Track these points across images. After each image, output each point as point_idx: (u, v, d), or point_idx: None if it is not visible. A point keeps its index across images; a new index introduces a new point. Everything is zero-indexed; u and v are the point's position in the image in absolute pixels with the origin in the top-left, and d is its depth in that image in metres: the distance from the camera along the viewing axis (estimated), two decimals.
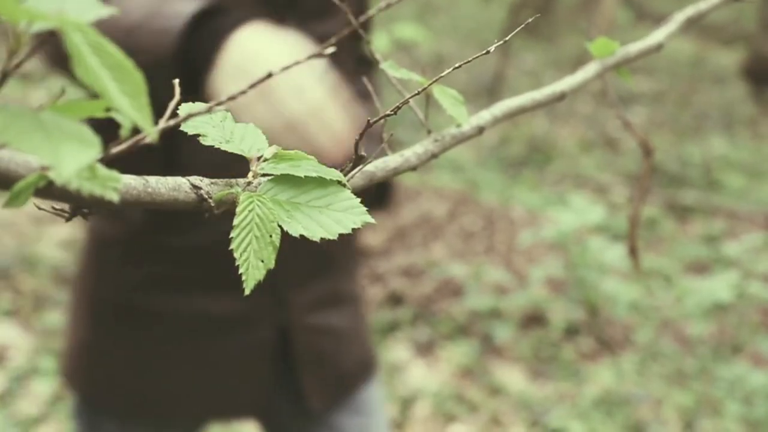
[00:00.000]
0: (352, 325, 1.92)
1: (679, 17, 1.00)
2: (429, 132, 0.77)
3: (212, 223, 1.36)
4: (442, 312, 4.45)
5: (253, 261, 0.59)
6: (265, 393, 1.83)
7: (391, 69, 0.77)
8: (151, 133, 0.49)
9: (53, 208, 0.56)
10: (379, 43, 6.90)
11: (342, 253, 1.91)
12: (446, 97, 0.80)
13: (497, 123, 0.82)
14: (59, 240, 4.67)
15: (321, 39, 1.62)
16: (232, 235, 0.58)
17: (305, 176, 0.61)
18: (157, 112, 0.54)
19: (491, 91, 8.26)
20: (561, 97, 0.86)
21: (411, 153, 0.74)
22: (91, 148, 0.47)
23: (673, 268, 5.07)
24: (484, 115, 0.81)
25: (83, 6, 0.54)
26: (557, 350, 4.22)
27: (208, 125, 0.64)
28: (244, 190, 0.60)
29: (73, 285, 1.88)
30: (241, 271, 0.58)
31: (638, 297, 4.59)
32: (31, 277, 4.26)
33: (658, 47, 0.97)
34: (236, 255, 0.59)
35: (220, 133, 0.65)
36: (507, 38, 0.66)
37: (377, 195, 1.98)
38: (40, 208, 0.57)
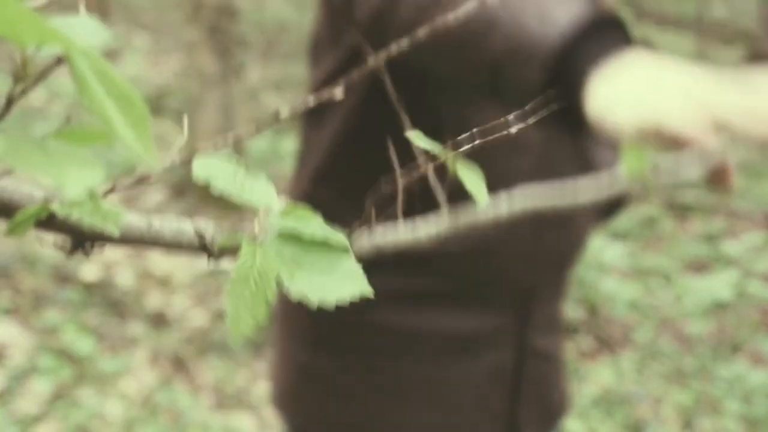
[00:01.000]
0: (561, 351, 1.76)
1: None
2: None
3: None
4: None
5: (244, 315, 0.58)
6: (498, 424, 1.65)
7: (417, 139, 0.75)
8: (152, 165, 0.50)
9: (54, 244, 0.56)
10: None
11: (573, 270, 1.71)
12: (469, 176, 0.78)
13: (512, 219, 0.79)
14: (58, 238, 4.66)
15: None
16: (227, 284, 0.57)
17: (310, 237, 0.61)
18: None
19: None
20: (581, 206, 0.84)
21: (423, 233, 0.73)
22: (95, 172, 0.47)
23: (673, 267, 5.06)
24: (501, 207, 0.79)
25: (89, 31, 0.53)
26: None
27: (221, 171, 0.64)
28: (249, 239, 0.60)
29: (282, 301, 1.66)
30: (228, 321, 0.58)
31: (638, 296, 4.59)
32: (31, 276, 4.26)
33: None
34: (228, 303, 0.58)
35: (231, 182, 0.65)
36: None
37: (610, 204, 1.78)
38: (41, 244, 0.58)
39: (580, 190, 0.87)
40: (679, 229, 5.76)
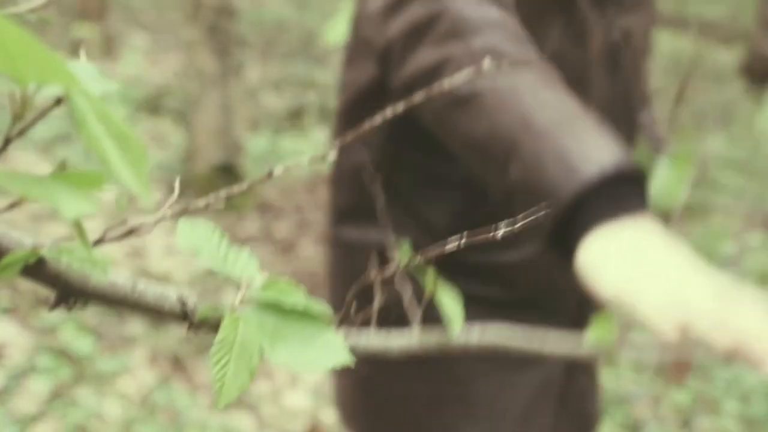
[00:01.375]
0: (597, 363, 1.78)
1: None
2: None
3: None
4: None
5: (228, 382, 0.59)
6: None
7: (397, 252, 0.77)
8: (148, 203, 0.50)
9: (37, 298, 0.57)
10: None
11: None
12: (447, 299, 0.79)
13: (480, 350, 0.80)
14: (57, 238, 4.66)
15: (623, 33, 1.51)
16: (212, 351, 0.58)
17: (291, 308, 0.62)
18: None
19: None
20: (535, 359, 0.86)
21: (397, 343, 0.74)
22: (91, 204, 0.48)
23: None
24: (472, 336, 0.81)
25: (89, 75, 0.54)
26: None
27: (205, 241, 0.65)
28: (231, 310, 0.61)
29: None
30: (214, 387, 0.59)
31: None
32: None
33: None
34: (213, 371, 0.59)
35: (215, 253, 0.65)
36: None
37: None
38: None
39: (547, 342, 0.89)
40: (676, 229, 5.76)
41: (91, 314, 3.99)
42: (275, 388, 3.71)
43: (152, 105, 6.79)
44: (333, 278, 1.67)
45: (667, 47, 11.06)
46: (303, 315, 0.62)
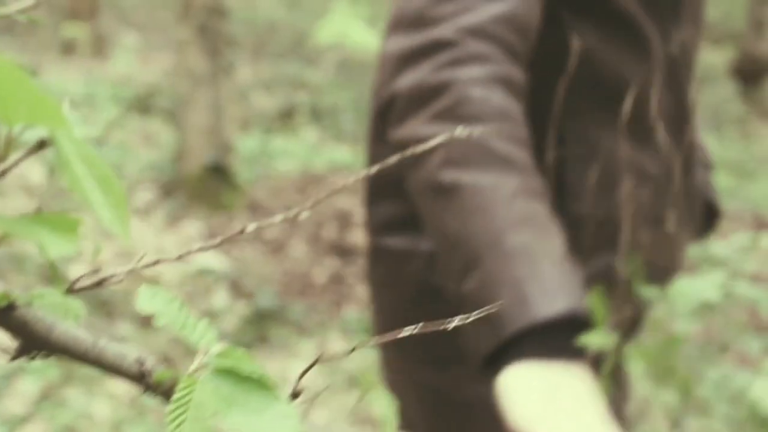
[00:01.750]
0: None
1: None
2: None
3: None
4: None
5: None
6: None
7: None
8: (127, 243, 0.52)
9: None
10: (368, 41, 6.90)
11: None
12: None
13: None
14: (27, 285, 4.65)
15: (680, 47, 1.53)
16: (168, 409, 0.59)
17: (247, 377, 0.64)
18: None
19: None
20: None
21: None
22: (73, 244, 0.50)
23: None
24: None
25: (74, 119, 0.56)
26: None
27: (167, 306, 0.67)
28: (187, 375, 0.62)
29: (389, 327, 1.55)
30: None
31: None
32: (19, 275, 4.25)
33: None
34: (169, 429, 0.61)
35: (176, 317, 0.67)
36: None
37: (705, 221, 1.84)
38: None
39: None
40: None
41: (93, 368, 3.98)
42: None
43: (143, 104, 6.78)
44: (381, 288, 1.65)
45: None
46: (258, 384, 0.64)
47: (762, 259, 5.15)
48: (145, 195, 5.25)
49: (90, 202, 0.50)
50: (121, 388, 3.58)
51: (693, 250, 5.49)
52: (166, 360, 3.80)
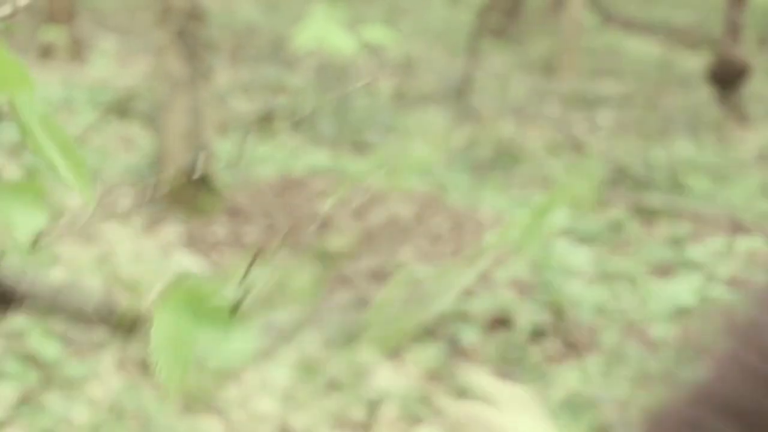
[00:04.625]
0: None
1: None
2: None
3: None
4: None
5: (172, 371, 0.62)
6: None
7: None
8: (90, 203, 0.53)
9: None
10: (347, 45, 6.89)
11: None
12: None
13: None
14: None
15: None
16: (150, 353, 0.60)
17: (206, 304, 0.65)
18: None
19: (460, 93, 8.28)
20: None
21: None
22: (40, 214, 0.53)
23: (638, 270, 5.10)
24: None
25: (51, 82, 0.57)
26: (523, 352, 4.24)
27: None
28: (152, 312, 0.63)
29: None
30: (160, 380, 0.61)
31: (604, 300, 4.62)
32: None
33: None
34: (156, 366, 0.61)
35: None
36: None
37: None
38: None
39: None
40: (644, 232, 5.81)
41: (58, 319, 3.97)
42: (244, 393, 3.70)
43: (121, 108, 6.77)
44: None
45: (634, 53, 11.14)
46: (217, 310, 0.66)
47: (738, 263, 5.18)
48: (123, 200, 5.24)
49: (53, 164, 0.52)
50: (101, 392, 3.57)
51: (670, 254, 5.49)
52: (145, 364, 3.80)
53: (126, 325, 0.61)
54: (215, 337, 0.65)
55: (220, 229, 5.07)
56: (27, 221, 0.50)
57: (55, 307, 0.59)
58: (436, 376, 4.00)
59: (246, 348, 0.65)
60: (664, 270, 5.17)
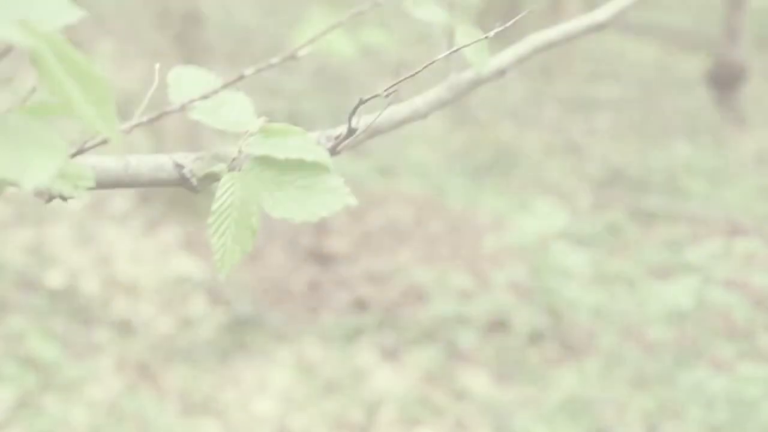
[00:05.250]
0: None
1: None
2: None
3: None
4: (408, 317, 4.46)
5: (230, 245, 0.58)
6: None
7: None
8: (115, 140, 0.49)
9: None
10: (345, 48, 6.91)
11: None
12: (469, 39, 0.75)
13: (521, 62, 0.77)
14: (23, 244, 4.64)
15: None
16: (210, 219, 0.57)
17: (290, 158, 0.60)
18: None
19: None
20: (599, 27, 0.82)
21: (420, 100, 0.71)
22: (57, 154, 0.45)
23: (636, 272, 5.10)
24: (506, 56, 0.77)
25: (52, 10, 0.52)
26: (522, 355, 4.24)
27: (194, 84, 0.63)
28: (228, 167, 0.60)
29: None
30: (216, 256, 0.58)
31: (601, 302, 4.62)
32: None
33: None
34: (213, 239, 0.58)
35: (209, 104, 0.62)
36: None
37: None
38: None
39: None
40: (643, 235, 5.81)
41: (57, 321, 3.97)
42: (243, 395, 3.70)
43: (119, 111, 6.76)
44: None
45: (632, 55, 11.14)
46: (301, 163, 0.60)
47: (736, 265, 5.18)
48: (121, 203, 5.24)
49: (71, 100, 0.46)
50: (99, 394, 3.57)
51: (668, 257, 5.50)
52: (144, 366, 3.79)
53: (208, 181, 0.58)
54: (302, 192, 0.59)
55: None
56: (40, 165, 0.44)
57: (124, 182, 0.56)
58: (434, 378, 4.01)
59: (336, 202, 0.60)
60: (661, 272, 5.17)
